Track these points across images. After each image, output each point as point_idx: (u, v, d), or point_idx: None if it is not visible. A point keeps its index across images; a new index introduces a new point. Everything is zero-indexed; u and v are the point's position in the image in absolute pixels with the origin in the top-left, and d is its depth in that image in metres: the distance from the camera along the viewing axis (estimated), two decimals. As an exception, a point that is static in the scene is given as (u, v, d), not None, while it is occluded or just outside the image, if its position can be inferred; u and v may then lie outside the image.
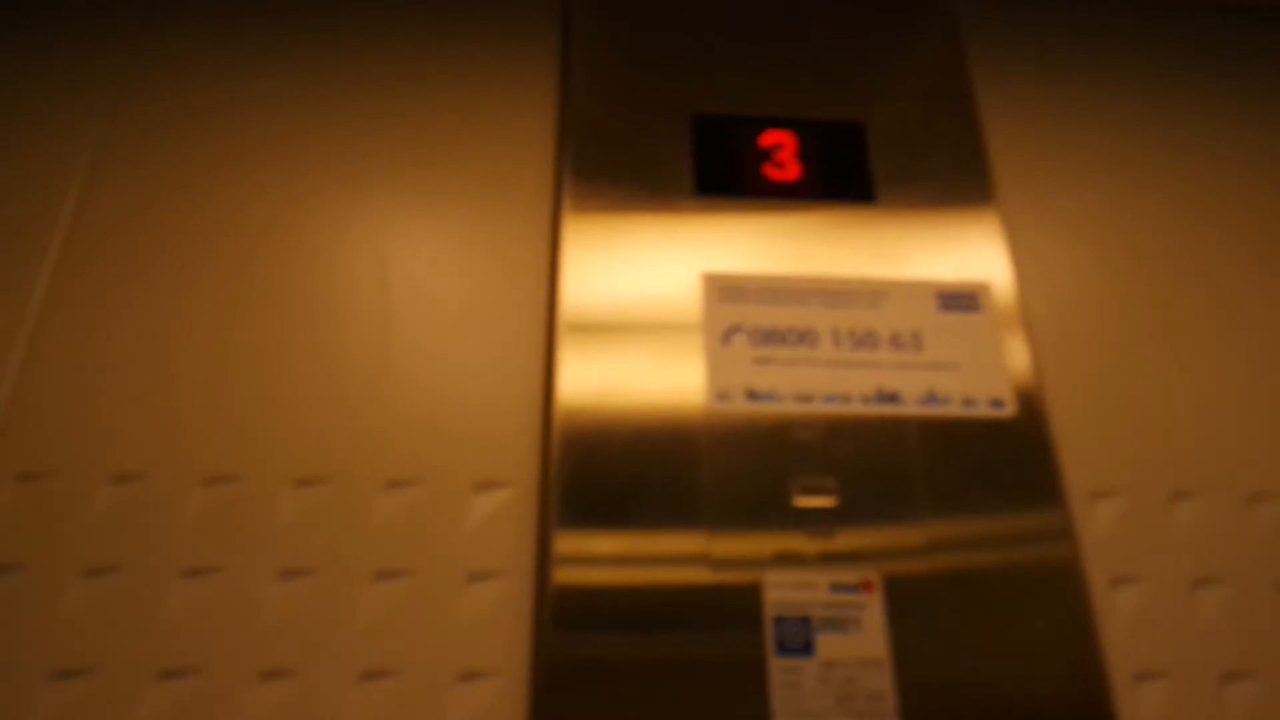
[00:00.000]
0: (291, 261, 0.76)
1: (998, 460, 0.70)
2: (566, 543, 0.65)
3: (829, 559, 0.66)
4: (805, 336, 0.74)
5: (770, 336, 0.74)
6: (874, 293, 0.77)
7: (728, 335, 0.73)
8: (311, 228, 0.78)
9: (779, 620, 0.63)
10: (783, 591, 0.64)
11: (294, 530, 0.66)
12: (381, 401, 0.71)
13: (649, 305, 0.75)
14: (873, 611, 0.64)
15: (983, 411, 0.72)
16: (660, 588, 0.64)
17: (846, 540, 0.66)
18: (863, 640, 0.63)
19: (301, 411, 0.70)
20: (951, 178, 0.84)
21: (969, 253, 0.80)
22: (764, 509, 0.67)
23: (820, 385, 0.72)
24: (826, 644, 0.63)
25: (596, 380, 0.71)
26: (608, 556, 0.65)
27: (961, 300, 0.77)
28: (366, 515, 0.67)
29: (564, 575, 0.64)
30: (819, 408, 0.71)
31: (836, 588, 0.65)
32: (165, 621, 0.62)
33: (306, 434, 0.69)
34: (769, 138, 0.84)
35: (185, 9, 0.88)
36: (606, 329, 0.73)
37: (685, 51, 0.89)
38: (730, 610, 0.64)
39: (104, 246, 0.76)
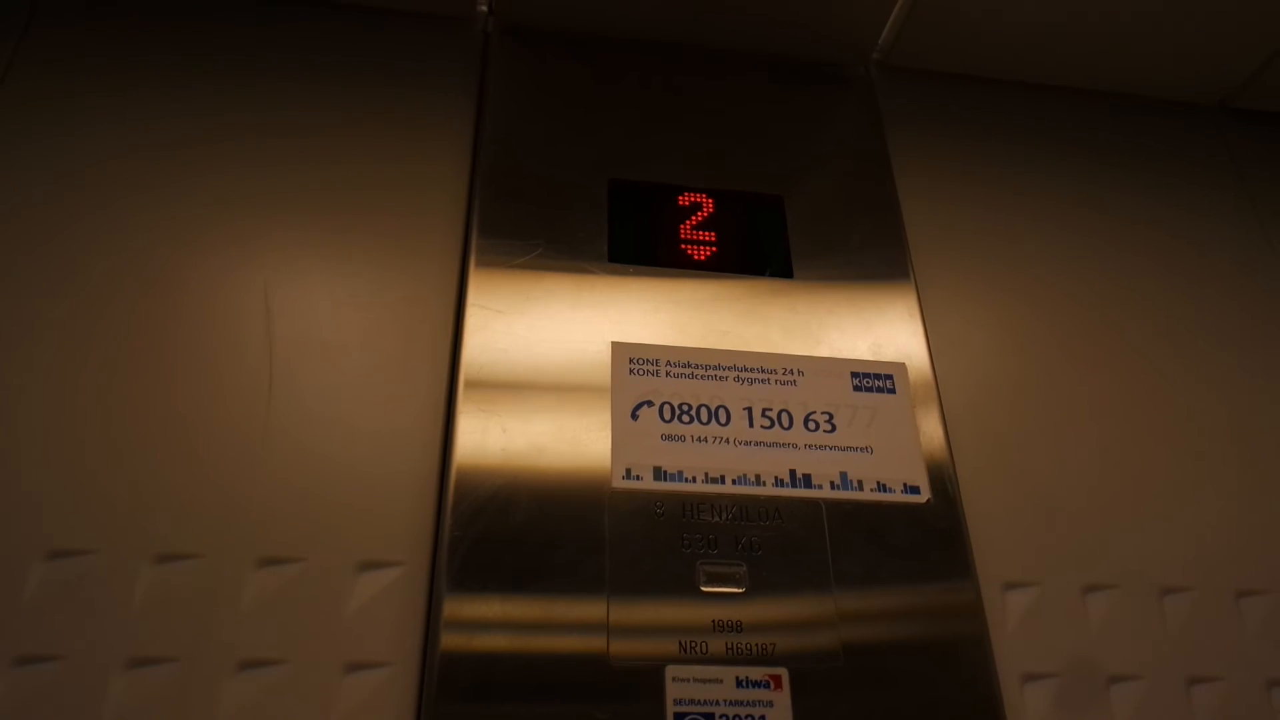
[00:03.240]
0: (164, 308, 0.70)
1: (911, 548, 0.68)
2: (458, 614, 0.60)
3: (735, 651, 0.62)
4: (716, 413, 0.71)
5: (680, 412, 0.71)
6: (788, 370, 0.74)
7: (636, 409, 0.70)
8: (190, 274, 0.72)
9: (680, 716, 0.59)
10: (686, 686, 0.60)
11: (150, 613, 0.59)
12: (261, 470, 0.65)
13: (556, 371, 0.71)
14: (780, 710, 0.60)
15: (897, 497, 0.70)
16: (556, 673, 0.60)
17: (754, 632, 0.63)
18: (768, 742, 0.59)
19: (166, 478, 0.63)
20: (869, 254, 0.84)
21: (885, 331, 0.79)
22: (669, 596, 0.63)
23: (731, 465, 0.69)
24: (730, 745, 0.59)
25: (498, 450, 0.67)
26: (501, 628, 0.60)
27: (877, 380, 0.75)
28: (235, 597, 0.61)
29: (454, 645, 0.59)
30: (729, 489, 0.68)
31: (743, 683, 0.61)
32: (-14, 720, 0.55)
33: (172, 504, 0.63)
34: (687, 207, 0.82)
35: (71, 23, 0.83)
36: (510, 395, 0.69)
37: (605, 116, 0.87)
38: (629, 699, 0.59)
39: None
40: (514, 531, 0.64)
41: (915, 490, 0.71)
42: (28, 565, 0.59)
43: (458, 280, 0.76)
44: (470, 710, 0.58)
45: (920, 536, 0.69)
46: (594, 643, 0.61)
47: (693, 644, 0.62)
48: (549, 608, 0.62)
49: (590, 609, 0.62)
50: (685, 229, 0.81)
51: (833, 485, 0.70)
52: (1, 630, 0.57)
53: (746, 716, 0.60)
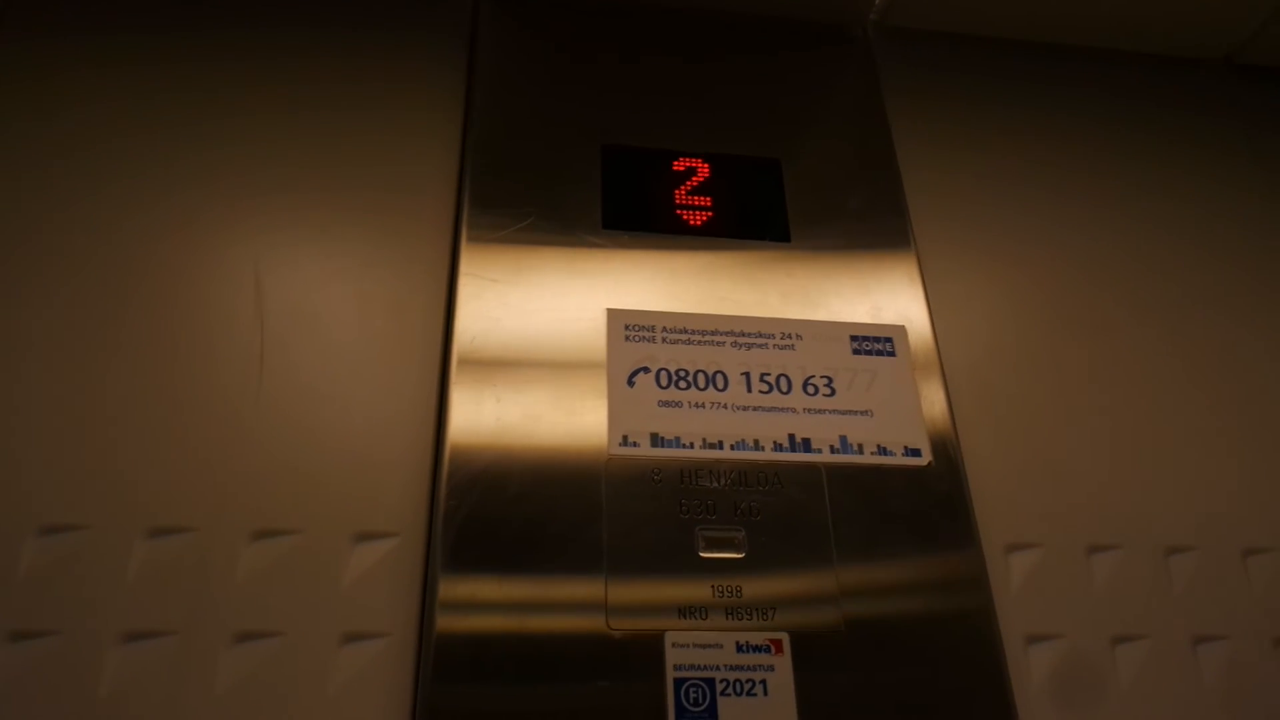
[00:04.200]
0: (156, 284, 0.70)
1: (912, 511, 0.67)
2: (453, 592, 0.60)
3: (735, 616, 0.61)
4: (714, 379, 0.70)
5: (677, 378, 0.70)
6: (786, 334, 0.73)
7: (633, 375, 0.69)
8: (179, 249, 0.71)
9: (680, 681, 0.59)
10: (685, 651, 0.60)
11: (144, 587, 0.59)
12: (253, 443, 0.65)
13: (550, 341, 0.70)
14: (781, 674, 0.60)
15: (898, 460, 0.69)
16: (554, 642, 0.59)
17: (754, 597, 0.62)
18: (769, 706, 0.58)
19: (158, 453, 0.63)
20: (868, 217, 0.82)
21: (884, 294, 0.78)
22: (668, 562, 0.63)
23: (729, 430, 0.68)
24: (730, 709, 0.58)
25: (492, 420, 0.66)
26: (498, 606, 0.60)
27: (876, 343, 0.74)
28: (230, 570, 0.60)
29: (449, 625, 0.59)
30: (727, 454, 0.67)
31: (743, 647, 0.60)
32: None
33: (164, 478, 0.62)
34: (682, 172, 0.81)
35: (49, 6, 0.82)
36: (504, 365, 0.69)
37: (596, 82, 0.86)
38: (629, 667, 0.59)
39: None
40: (510, 501, 0.64)
41: (916, 453, 0.70)
42: (21, 541, 0.59)
43: (450, 252, 0.75)
44: (467, 690, 0.57)
45: (921, 499, 0.68)
46: (593, 611, 0.61)
47: (692, 609, 0.61)
48: (546, 578, 0.62)
49: (588, 578, 0.62)
50: (680, 194, 0.80)
51: (832, 449, 0.69)
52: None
53: (747, 681, 0.59)
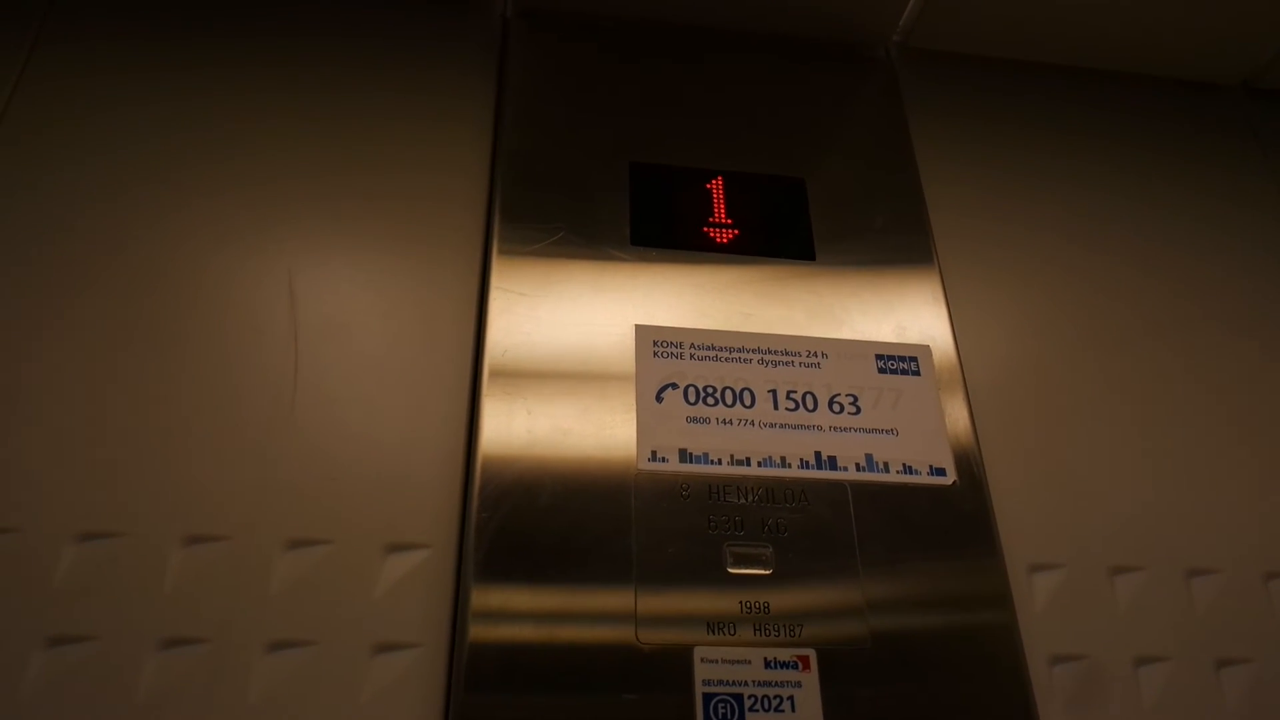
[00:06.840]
0: (189, 294, 0.70)
1: (937, 531, 0.68)
2: (486, 601, 0.60)
3: (763, 632, 0.62)
4: (741, 395, 0.71)
5: (705, 395, 0.71)
6: (812, 352, 0.74)
7: (661, 391, 0.70)
8: (214, 258, 0.72)
9: (709, 697, 0.59)
10: (714, 667, 0.60)
11: (180, 594, 0.59)
12: (287, 453, 0.65)
13: (580, 355, 0.71)
14: (809, 691, 0.60)
15: (923, 479, 0.70)
16: (585, 653, 0.60)
17: (782, 613, 0.63)
18: (798, 722, 0.59)
19: (194, 462, 0.64)
20: (892, 237, 0.83)
21: (909, 314, 0.78)
22: (697, 577, 0.63)
23: (756, 447, 0.69)
24: (759, 725, 0.59)
25: (523, 433, 0.67)
26: (530, 616, 0.60)
27: (901, 362, 0.75)
28: (264, 579, 0.61)
29: (481, 635, 0.59)
30: (754, 471, 0.68)
31: (771, 663, 0.61)
32: (21, 704, 0.55)
33: (199, 487, 0.63)
34: (708, 190, 0.82)
35: (91, 10, 0.83)
36: (534, 378, 0.69)
37: (624, 99, 0.87)
38: (657, 680, 0.59)
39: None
40: (540, 513, 0.64)
41: (941, 472, 0.70)
42: (59, 547, 0.59)
43: (480, 264, 0.76)
44: (498, 699, 0.58)
45: (946, 518, 0.68)
46: (622, 624, 0.61)
47: (721, 625, 0.62)
48: (576, 590, 0.62)
49: (617, 591, 0.62)
50: (707, 212, 0.81)
51: (858, 467, 0.69)
52: (35, 611, 0.57)
53: (775, 697, 0.60)
